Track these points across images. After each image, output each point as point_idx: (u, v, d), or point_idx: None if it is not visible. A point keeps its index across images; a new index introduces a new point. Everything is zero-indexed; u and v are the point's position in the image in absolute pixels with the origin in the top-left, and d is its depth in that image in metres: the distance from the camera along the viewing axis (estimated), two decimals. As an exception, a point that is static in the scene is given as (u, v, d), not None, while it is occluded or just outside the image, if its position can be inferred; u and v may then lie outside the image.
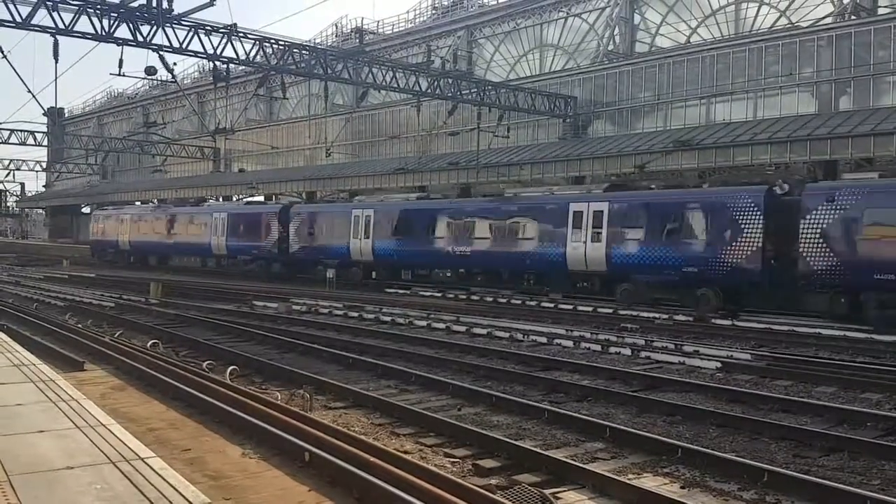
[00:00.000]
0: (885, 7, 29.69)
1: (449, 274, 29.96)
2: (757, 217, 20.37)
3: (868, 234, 18.29)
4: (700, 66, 31.38)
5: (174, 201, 50.67)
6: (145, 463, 5.21)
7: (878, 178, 19.94)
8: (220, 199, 50.10)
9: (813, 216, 19.20)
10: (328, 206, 37.19)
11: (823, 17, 30.45)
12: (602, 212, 23.82)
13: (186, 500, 4.52)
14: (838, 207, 18.90)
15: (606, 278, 24.10)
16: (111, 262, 47.37)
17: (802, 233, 19.27)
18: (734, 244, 20.71)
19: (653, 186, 25.75)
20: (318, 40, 50.15)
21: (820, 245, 18.97)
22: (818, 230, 19.04)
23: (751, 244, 20.40)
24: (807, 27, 29.87)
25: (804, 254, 19.21)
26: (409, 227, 30.40)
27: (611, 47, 37.26)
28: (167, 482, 4.82)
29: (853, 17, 28.81)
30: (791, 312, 20.17)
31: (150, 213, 46.51)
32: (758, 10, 33.05)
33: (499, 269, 27.81)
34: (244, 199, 45.65)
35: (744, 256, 20.50)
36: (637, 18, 37.13)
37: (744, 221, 20.59)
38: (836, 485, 6.77)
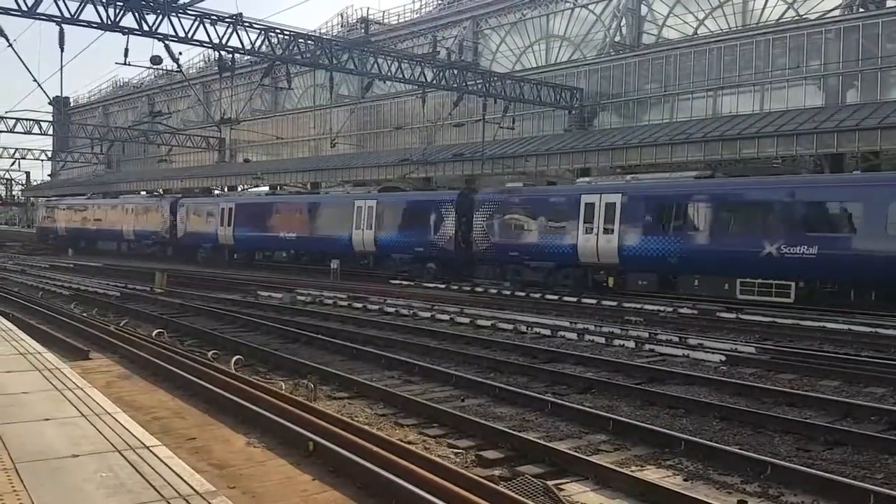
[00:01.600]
0: (893, 0, 29.49)
1: (285, 254, 37.64)
2: (451, 213, 28.31)
3: (503, 225, 26.72)
4: (707, 58, 31.24)
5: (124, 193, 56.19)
6: (150, 451, 5.23)
7: (522, 186, 28.24)
8: (221, 190, 50.31)
9: (479, 212, 27.40)
10: (204, 200, 43.95)
11: (831, 10, 30.26)
12: (373, 207, 31.47)
13: (191, 488, 4.54)
14: (490, 206, 27.17)
15: (377, 256, 32.07)
16: (52, 244, 54.04)
17: (474, 224, 27.51)
18: (440, 232, 28.73)
19: (406, 188, 34.73)
20: (323, 30, 50.06)
21: (482, 232, 27.24)
22: (481, 222, 27.25)
23: (449, 232, 28.38)
24: (814, 20, 29.71)
25: (475, 238, 27.50)
26: (258, 217, 37.93)
27: (617, 39, 37.07)
28: (172, 470, 4.84)
29: (861, 10, 28.61)
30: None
31: (80, 204, 53.94)
32: (765, 2, 32.84)
33: (313, 251, 34.99)
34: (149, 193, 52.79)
35: (445, 240, 28.49)
36: (644, 10, 36.94)
37: (446, 216, 28.52)
38: (839, 478, 6.77)
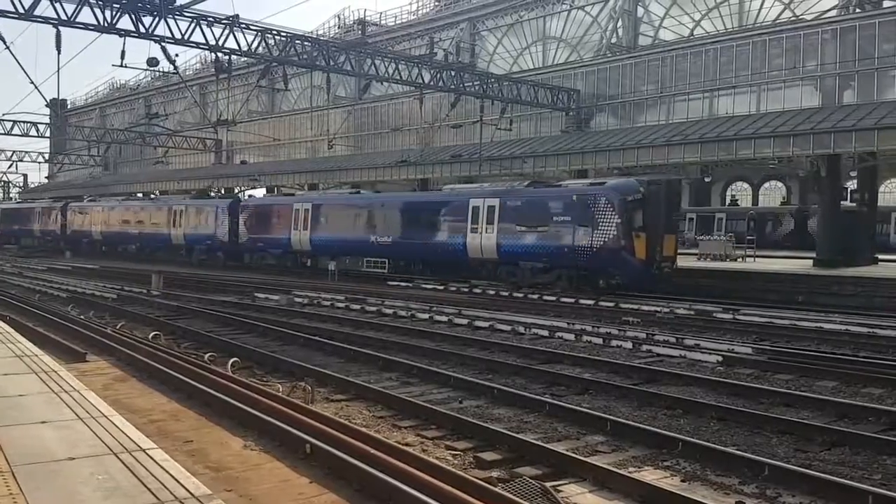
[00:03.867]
0: (890, 0, 29.56)
1: (134, 247, 46.24)
2: (226, 215, 37.95)
3: (253, 224, 36.62)
4: (703, 59, 31.30)
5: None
6: (147, 454, 5.22)
7: (264, 196, 42.39)
8: (218, 192, 50.26)
9: (241, 215, 37.30)
10: (83, 204, 53.83)
11: (828, 10, 30.36)
12: (183, 210, 41.30)
13: (188, 491, 4.52)
14: (247, 211, 37.42)
15: (185, 248, 41.40)
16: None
17: (239, 224, 37.19)
18: (220, 229, 38.24)
19: (212, 195, 46.98)
20: (320, 32, 50.08)
21: (243, 230, 37.05)
22: (243, 222, 37.09)
23: (225, 230, 37.87)
24: (811, 20, 29.78)
25: (240, 234, 37.20)
26: (116, 217, 47.88)
27: (614, 40, 37.16)
28: (168, 473, 4.83)
29: (858, 10, 28.69)
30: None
31: (11, 209, 65.21)
32: (762, 3, 32.95)
33: (151, 244, 44.41)
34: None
35: (223, 235, 38.11)
36: (640, 11, 37.02)
37: (223, 217, 38.19)
38: (837, 479, 6.76)
